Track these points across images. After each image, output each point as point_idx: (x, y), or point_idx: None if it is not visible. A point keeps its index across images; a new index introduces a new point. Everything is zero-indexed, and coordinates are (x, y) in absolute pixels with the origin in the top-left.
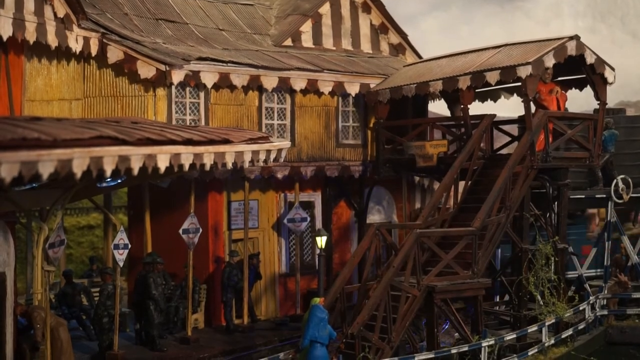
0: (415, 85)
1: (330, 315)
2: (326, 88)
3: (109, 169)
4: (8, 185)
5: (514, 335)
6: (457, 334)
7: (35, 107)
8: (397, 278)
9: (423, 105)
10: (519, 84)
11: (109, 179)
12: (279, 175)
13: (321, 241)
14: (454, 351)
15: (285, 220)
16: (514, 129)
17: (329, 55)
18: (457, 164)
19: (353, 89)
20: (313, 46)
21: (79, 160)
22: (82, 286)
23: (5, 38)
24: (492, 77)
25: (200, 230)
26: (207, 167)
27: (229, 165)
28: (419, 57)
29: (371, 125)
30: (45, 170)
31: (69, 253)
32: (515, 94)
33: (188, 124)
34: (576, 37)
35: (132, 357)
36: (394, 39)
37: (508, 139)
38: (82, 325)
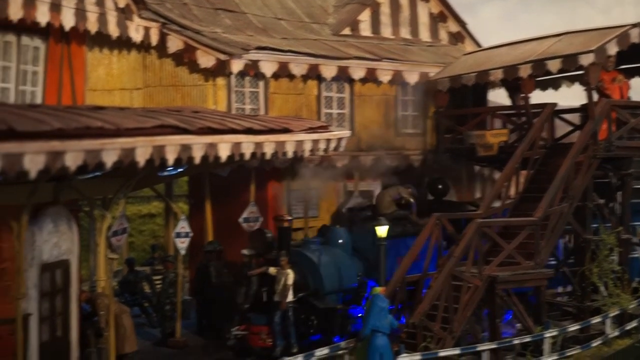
0: (475, 74)
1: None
2: (385, 77)
3: (171, 158)
4: (72, 173)
5: (578, 327)
6: (519, 324)
7: (97, 96)
8: (458, 268)
9: (483, 94)
10: (581, 72)
11: (170, 168)
12: (339, 165)
13: (381, 231)
14: (516, 342)
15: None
16: (575, 118)
17: (387, 44)
18: (518, 153)
19: (412, 77)
20: (371, 35)
21: (142, 149)
22: (144, 274)
23: (67, 28)
24: (554, 65)
25: (261, 219)
26: (268, 156)
27: (290, 155)
28: (478, 45)
29: (430, 114)
30: (109, 158)
31: (130, 241)
32: (577, 83)
33: (247, 113)
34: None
35: (194, 345)
36: (453, 27)
37: (570, 127)
38: (144, 312)
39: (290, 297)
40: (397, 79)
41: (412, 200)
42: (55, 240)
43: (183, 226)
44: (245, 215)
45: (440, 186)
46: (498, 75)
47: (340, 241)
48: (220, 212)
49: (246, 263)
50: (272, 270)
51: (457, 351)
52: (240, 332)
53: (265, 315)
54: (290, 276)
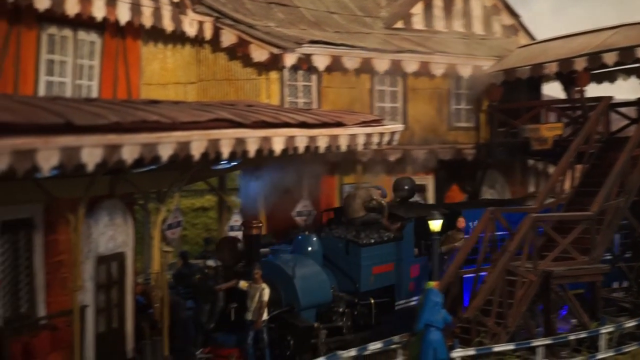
0: (529, 67)
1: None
2: (438, 70)
3: (226, 151)
4: (128, 167)
5: (634, 323)
6: (574, 320)
7: (151, 90)
8: (513, 263)
9: (537, 87)
10: (638, 65)
11: (224, 162)
12: (391, 158)
13: (435, 225)
14: (571, 338)
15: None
16: (632, 112)
17: (440, 37)
18: (573, 147)
19: (465, 71)
20: (424, 28)
21: (197, 143)
22: (198, 267)
23: (123, 23)
24: (610, 58)
25: (314, 212)
26: (321, 150)
27: (343, 148)
28: (532, 38)
29: (484, 107)
30: (165, 152)
31: (184, 234)
32: (633, 76)
33: (300, 107)
34: None
35: None
36: (507, 20)
37: (626, 121)
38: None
39: (265, 316)
40: (451, 73)
41: (383, 203)
42: (111, 233)
43: (237, 219)
44: (298, 208)
45: (406, 187)
46: (553, 68)
47: (310, 249)
48: (274, 205)
49: (211, 276)
50: (243, 284)
51: (511, 346)
52: (205, 355)
53: (234, 335)
54: (266, 292)
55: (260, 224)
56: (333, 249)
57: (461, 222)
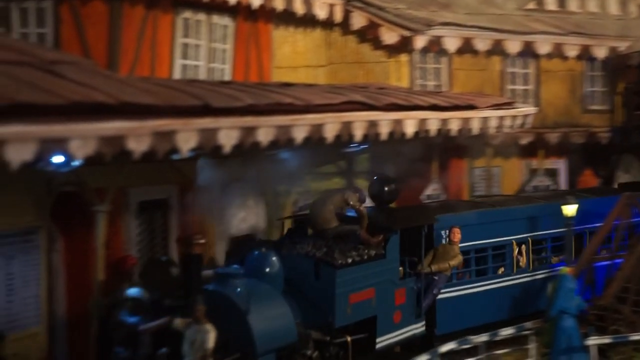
0: None
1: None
2: (572, 52)
3: (358, 134)
4: (261, 149)
5: None
6: None
7: (282, 73)
8: None
9: None
10: None
11: (353, 144)
12: (523, 142)
13: (570, 210)
14: None
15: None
16: None
17: (574, 18)
18: None
19: (600, 52)
20: (557, 9)
21: (331, 125)
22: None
23: (255, 6)
24: None
25: (444, 196)
26: (453, 133)
27: (475, 131)
28: None
29: (619, 90)
30: (299, 134)
31: None
32: None
33: (430, 89)
34: None
35: None
36: None
37: None
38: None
39: None
40: (585, 54)
41: (362, 210)
42: (243, 215)
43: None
44: (428, 192)
45: (386, 188)
46: None
47: (268, 271)
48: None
49: (131, 311)
50: (178, 323)
51: None
52: None
53: None
54: (211, 336)
55: (203, 240)
56: (298, 271)
57: (456, 234)
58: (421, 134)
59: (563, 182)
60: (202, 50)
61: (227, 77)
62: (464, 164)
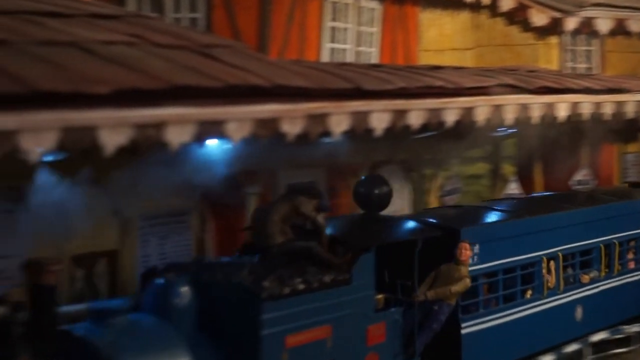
0: None
1: None
2: None
3: (509, 117)
4: (412, 132)
5: None
6: None
7: (429, 56)
8: None
9: None
10: None
11: (502, 129)
12: None
13: None
14: None
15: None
16: None
17: None
18: None
19: None
20: None
21: (481, 109)
22: None
23: None
24: None
25: (594, 182)
26: (606, 117)
27: (630, 115)
28: None
29: None
30: (450, 117)
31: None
32: None
33: (581, 72)
34: None
35: None
36: None
37: None
38: None
39: None
40: None
41: (320, 220)
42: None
43: (514, 187)
44: (578, 177)
45: (376, 190)
46: None
47: (173, 306)
48: (550, 174)
49: None
50: None
51: None
52: None
53: None
54: None
55: (57, 267)
56: (220, 304)
57: (464, 250)
58: (573, 118)
59: None
60: (349, 33)
61: (375, 60)
62: (614, 149)
